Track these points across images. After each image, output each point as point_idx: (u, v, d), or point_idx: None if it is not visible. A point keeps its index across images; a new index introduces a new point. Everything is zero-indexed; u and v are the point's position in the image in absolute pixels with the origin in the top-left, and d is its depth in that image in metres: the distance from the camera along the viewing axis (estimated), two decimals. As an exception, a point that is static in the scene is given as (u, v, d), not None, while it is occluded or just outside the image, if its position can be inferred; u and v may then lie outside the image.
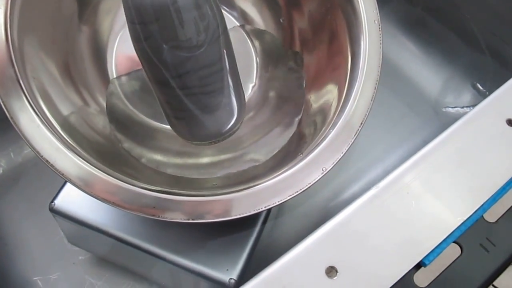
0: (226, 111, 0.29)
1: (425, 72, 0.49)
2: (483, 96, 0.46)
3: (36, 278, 0.38)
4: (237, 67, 0.30)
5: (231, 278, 0.29)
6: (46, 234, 0.40)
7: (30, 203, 0.42)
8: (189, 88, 0.28)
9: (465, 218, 0.24)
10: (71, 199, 0.32)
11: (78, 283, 0.38)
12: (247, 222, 0.32)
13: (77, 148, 0.27)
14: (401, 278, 0.23)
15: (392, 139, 0.46)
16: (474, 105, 0.47)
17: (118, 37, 0.37)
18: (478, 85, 0.47)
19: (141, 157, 0.32)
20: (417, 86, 0.49)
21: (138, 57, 0.28)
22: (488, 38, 0.45)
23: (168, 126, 0.34)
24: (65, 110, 0.29)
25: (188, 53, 0.26)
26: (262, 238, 0.33)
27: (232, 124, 0.30)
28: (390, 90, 0.47)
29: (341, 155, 0.28)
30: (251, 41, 0.37)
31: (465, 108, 0.47)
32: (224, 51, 0.28)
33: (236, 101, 0.29)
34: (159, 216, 0.26)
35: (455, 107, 0.47)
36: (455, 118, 0.48)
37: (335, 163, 0.27)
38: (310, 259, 0.23)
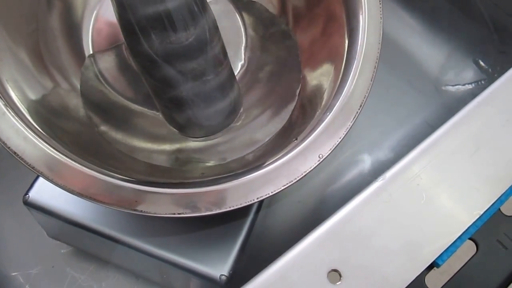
0: (220, 105, 0.28)
1: (425, 48, 0.46)
2: (485, 73, 0.44)
3: (15, 273, 0.36)
4: (227, 55, 0.28)
5: (222, 274, 0.28)
6: (24, 226, 0.38)
7: (6, 194, 0.39)
8: (179, 79, 0.26)
9: (481, 212, 0.22)
10: (46, 191, 0.29)
11: (60, 277, 0.36)
12: (239, 212, 0.30)
13: (49, 137, 0.24)
14: (411, 282, 0.20)
15: (390, 119, 0.44)
16: (475, 82, 0.45)
17: (95, 12, 0.34)
18: (480, 61, 0.45)
19: (118, 143, 0.29)
20: (416, 62, 0.46)
21: (131, 54, 0.27)
22: (492, 10, 0.43)
23: (150, 109, 0.31)
24: (35, 94, 0.27)
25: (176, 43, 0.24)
26: (254, 227, 0.31)
27: (227, 118, 0.28)
28: (387, 67, 0.45)
29: (339, 140, 0.26)
30: (239, 13, 0.35)
31: (466, 85, 0.45)
32: (212, 39, 0.26)
33: (230, 92, 0.28)
34: (141, 211, 0.24)
35: (455, 85, 0.45)
36: (456, 97, 0.46)
37: (332, 149, 0.25)
38: (309, 262, 0.21)
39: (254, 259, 0.31)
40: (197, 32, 0.24)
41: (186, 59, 0.25)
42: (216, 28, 0.26)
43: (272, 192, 0.24)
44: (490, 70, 0.44)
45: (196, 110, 0.27)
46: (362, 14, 0.28)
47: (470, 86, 0.45)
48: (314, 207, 0.39)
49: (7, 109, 0.24)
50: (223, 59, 0.27)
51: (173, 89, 0.26)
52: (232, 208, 0.24)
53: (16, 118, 0.24)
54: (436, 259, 0.22)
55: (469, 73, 0.45)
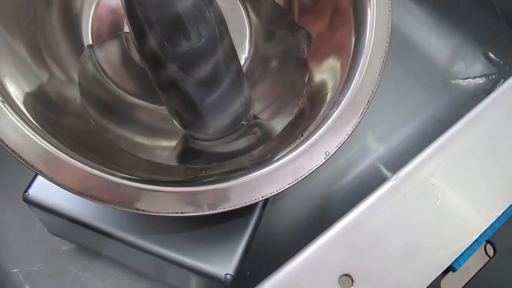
0: (232, 108, 0.27)
1: (433, 40, 0.45)
2: (496, 65, 0.43)
3: (15, 270, 0.36)
4: (237, 55, 0.27)
5: (227, 273, 0.27)
6: (26, 222, 0.37)
7: (6, 190, 0.39)
8: (190, 82, 0.25)
9: (498, 214, 0.21)
10: (46, 188, 0.29)
11: (62, 275, 0.36)
12: (244, 209, 0.29)
13: (48, 133, 0.24)
14: (427, 286, 0.20)
15: (397, 114, 0.43)
16: (485, 75, 0.44)
17: (95, 2, 0.33)
18: (491, 53, 0.44)
19: (118, 139, 0.28)
20: (424, 55, 0.45)
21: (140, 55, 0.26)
22: (502, 0, 0.42)
23: (151, 103, 0.31)
24: (32, 89, 0.26)
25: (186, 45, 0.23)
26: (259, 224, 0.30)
27: (237, 121, 0.28)
28: (394, 60, 0.44)
29: (346, 137, 0.25)
30: (243, 4, 0.34)
31: (476, 78, 0.44)
32: (222, 42, 0.25)
33: (241, 94, 0.27)
34: (143, 210, 0.23)
35: (465, 78, 0.44)
36: (465, 90, 0.45)
37: (339, 146, 0.25)
38: (320, 266, 0.20)
39: (260, 256, 0.31)
40: (207, 34, 0.23)
41: (197, 61, 0.24)
42: (225, 27, 0.25)
43: (277, 191, 0.24)
44: (501, 62, 0.42)
45: (206, 112, 0.26)
46: (370, 6, 0.27)
47: (480, 80, 0.44)
48: (321, 203, 0.38)
49: (5, 105, 0.23)
50: (233, 59, 0.26)
51: (183, 91, 0.25)
52: (236, 207, 0.24)
53: (14, 114, 0.23)
54: (452, 263, 0.21)
55: (478, 66, 0.44)
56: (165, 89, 0.26)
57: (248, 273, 0.27)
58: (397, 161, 0.40)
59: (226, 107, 0.27)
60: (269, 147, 0.28)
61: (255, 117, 0.30)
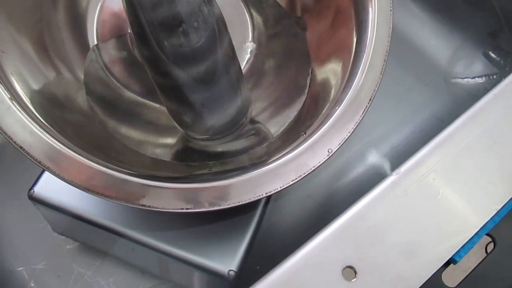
0: (230, 107, 0.27)
1: (433, 40, 0.46)
2: (497, 65, 0.43)
3: (20, 268, 0.36)
4: (236, 54, 0.27)
5: (230, 270, 0.27)
6: (30, 220, 0.37)
7: (10, 188, 0.39)
8: (189, 81, 0.25)
9: (498, 207, 0.22)
10: (52, 186, 0.29)
11: (66, 273, 0.36)
12: (247, 206, 0.30)
13: (54, 130, 0.24)
14: (428, 278, 0.20)
15: (398, 113, 0.43)
16: (485, 75, 0.44)
17: (100, 3, 0.33)
18: (491, 53, 0.44)
19: (122, 136, 0.29)
20: (425, 55, 0.46)
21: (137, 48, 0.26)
22: (502, 1, 0.42)
23: (154, 102, 0.31)
24: (39, 86, 0.26)
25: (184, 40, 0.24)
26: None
27: (235, 120, 0.28)
28: (395, 59, 0.44)
29: (348, 134, 0.25)
30: (245, 4, 0.34)
31: (476, 78, 0.44)
32: (221, 41, 0.25)
33: (239, 94, 0.27)
34: (148, 206, 0.23)
35: (465, 78, 0.44)
36: (465, 90, 0.45)
37: (341, 143, 0.25)
38: (324, 259, 0.20)
39: (262, 254, 0.31)
40: (207, 33, 0.24)
41: (196, 61, 0.24)
42: (225, 26, 0.26)
43: (280, 187, 0.24)
44: (502, 62, 0.43)
45: (205, 112, 0.27)
46: (371, 6, 0.27)
47: (480, 80, 0.44)
48: (323, 202, 0.39)
49: (13, 103, 0.23)
50: (232, 59, 0.27)
51: (182, 91, 0.26)
52: (240, 203, 0.24)
53: (22, 111, 0.23)
54: (453, 255, 0.21)
55: (479, 66, 0.44)
56: (164, 89, 0.27)
57: (258, 267, 0.27)
58: (398, 160, 0.41)
59: (225, 107, 0.27)
60: (272, 144, 0.28)
61: (252, 121, 0.31)
